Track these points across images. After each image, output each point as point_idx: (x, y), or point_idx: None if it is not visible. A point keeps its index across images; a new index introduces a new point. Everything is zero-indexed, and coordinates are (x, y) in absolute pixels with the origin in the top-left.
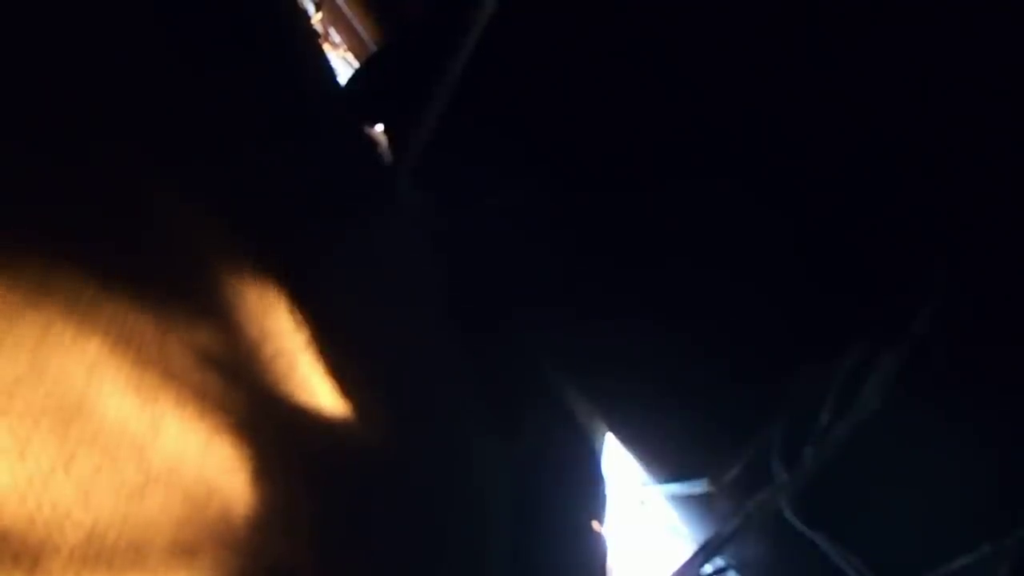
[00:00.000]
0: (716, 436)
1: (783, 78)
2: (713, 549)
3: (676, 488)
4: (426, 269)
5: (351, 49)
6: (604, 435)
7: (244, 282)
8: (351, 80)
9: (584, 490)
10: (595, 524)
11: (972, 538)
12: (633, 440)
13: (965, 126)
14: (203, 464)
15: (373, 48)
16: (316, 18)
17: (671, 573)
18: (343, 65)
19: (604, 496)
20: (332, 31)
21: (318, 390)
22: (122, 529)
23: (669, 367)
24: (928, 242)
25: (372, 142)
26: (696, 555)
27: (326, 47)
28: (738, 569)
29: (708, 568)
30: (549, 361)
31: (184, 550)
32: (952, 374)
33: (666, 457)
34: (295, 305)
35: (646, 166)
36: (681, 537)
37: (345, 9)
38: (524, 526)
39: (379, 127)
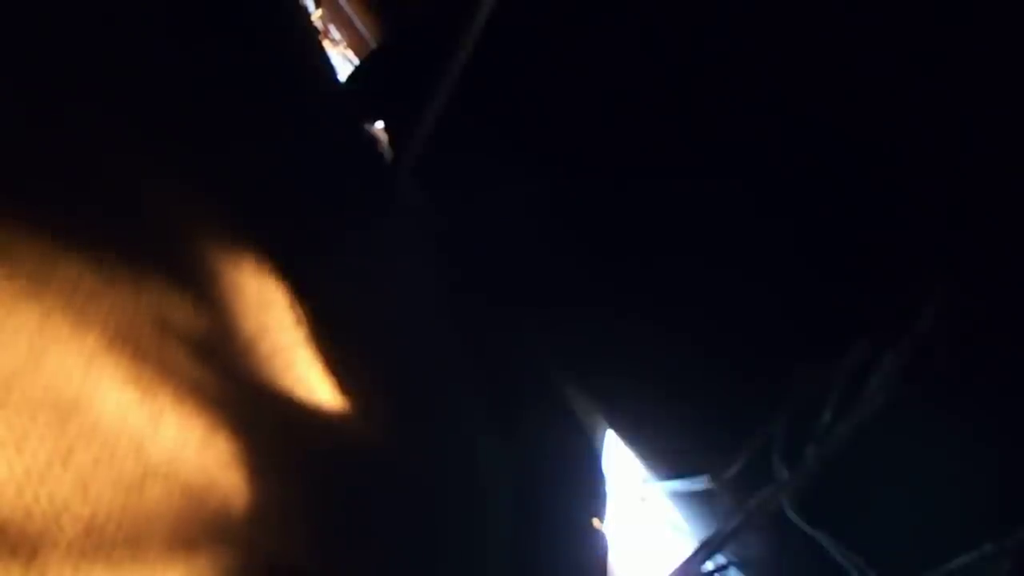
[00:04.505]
0: (717, 433)
1: (786, 76)
2: (714, 546)
3: (677, 485)
4: (426, 267)
5: (351, 46)
6: (605, 432)
7: (244, 277)
8: (351, 77)
9: (584, 487)
10: (595, 521)
11: (974, 537)
12: (634, 437)
13: (968, 125)
14: (202, 458)
15: (373, 45)
16: (316, 15)
17: (672, 570)
18: (343, 62)
19: (605, 493)
20: (332, 28)
21: (317, 386)
22: (121, 522)
23: (670, 364)
24: (931, 240)
25: (372, 139)
26: (697, 552)
27: (326, 44)
28: (739, 566)
29: (709, 565)
30: (549, 358)
31: (183, 544)
32: (954, 373)
33: (667, 454)
34: (294, 300)
35: (648, 164)
36: (682, 534)
37: (345, 6)
38: (524, 524)
39: (379, 124)
